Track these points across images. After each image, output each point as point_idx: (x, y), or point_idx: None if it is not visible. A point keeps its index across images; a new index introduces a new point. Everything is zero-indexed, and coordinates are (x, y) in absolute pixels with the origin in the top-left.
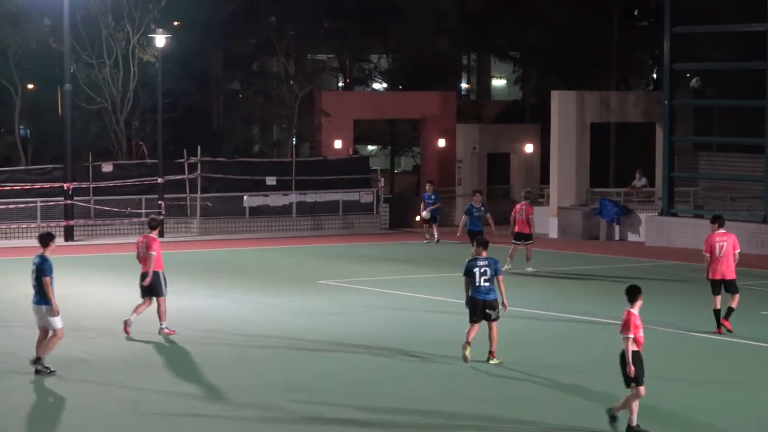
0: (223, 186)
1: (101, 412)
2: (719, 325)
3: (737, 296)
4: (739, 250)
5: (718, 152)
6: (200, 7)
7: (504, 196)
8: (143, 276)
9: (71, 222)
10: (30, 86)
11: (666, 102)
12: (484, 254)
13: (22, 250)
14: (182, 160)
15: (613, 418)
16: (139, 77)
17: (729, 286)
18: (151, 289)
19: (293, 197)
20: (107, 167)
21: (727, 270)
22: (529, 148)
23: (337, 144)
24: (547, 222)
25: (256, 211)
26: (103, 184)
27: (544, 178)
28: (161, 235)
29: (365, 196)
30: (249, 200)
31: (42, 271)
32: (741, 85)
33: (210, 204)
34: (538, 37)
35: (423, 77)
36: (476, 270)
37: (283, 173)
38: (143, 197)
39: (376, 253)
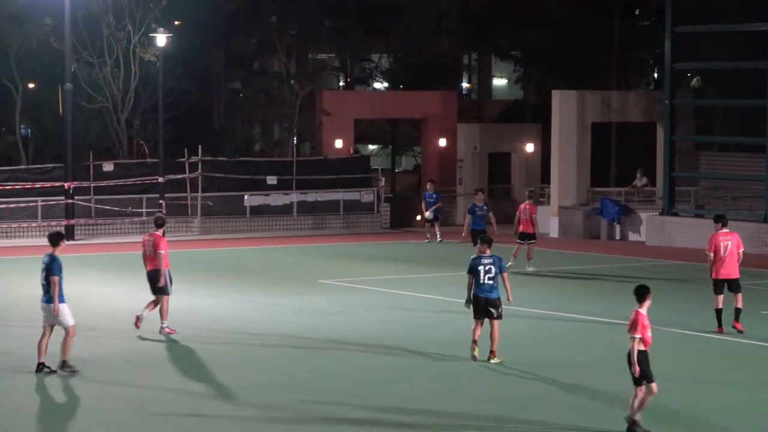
0: (223, 185)
1: (102, 412)
2: (720, 324)
3: (740, 295)
4: (742, 249)
5: (719, 152)
6: (201, 7)
7: (505, 195)
8: (150, 274)
9: (72, 221)
10: (31, 85)
11: (667, 101)
12: (488, 252)
13: (23, 249)
14: (183, 159)
15: (633, 423)
16: (140, 76)
17: (732, 286)
18: (154, 287)
19: (294, 197)
20: (108, 166)
21: (732, 269)
22: (530, 147)
23: (338, 143)
24: (548, 221)
25: (256, 211)
26: (103, 183)
27: (545, 178)
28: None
29: (366, 196)
30: (250, 199)
31: (51, 270)
32: (742, 85)
33: (211, 203)
34: (539, 36)
35: (424, 77)
36: (481, 268)
37: (284, 173)
38: (144, 196)
39: (377, 253)
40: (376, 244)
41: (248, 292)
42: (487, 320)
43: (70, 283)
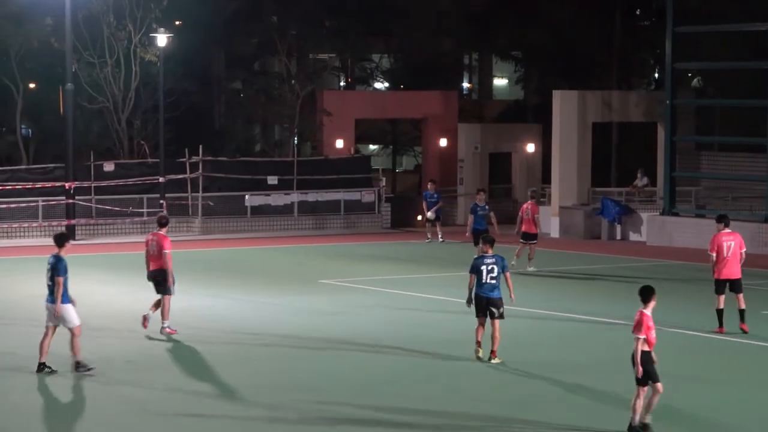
0: (224, 185)
1: (103, 412)
2: (721, 324)
3: (742, 296)
4: (744, 250)
5: (720, 152)
6: (202, 7)
7: (506, 195)
8: (153, 273)
9: (73, 221)
10: (32, 85)
11: (668, 102)
12: (491, 252)
13: (24, 249)
14: (184, 159)
15: (644, 427)
16: (140, 76)
17: (734, 286)
18: (158, 286)
19: (295, 197)
20: (109, 166)
21: (734, 270)
22: (530, 147)
23: (339, 143)
24: (548, 221)
25: (257, 211)
26: (104, 183)
27: (546, 178)
28: None
29: (367, 196)
30: (250, 199)
31: (57, 270)
32: (743, 85)
33: (211, 203)
34: (539, 36)
35: (425, 77)
36: (483, 268)
37: (284, 173)
38: (145, 196)
39: (378, 253)
40: (377, 244)
41: (248, 292)
42: (488, 320)
43: (71, 282)
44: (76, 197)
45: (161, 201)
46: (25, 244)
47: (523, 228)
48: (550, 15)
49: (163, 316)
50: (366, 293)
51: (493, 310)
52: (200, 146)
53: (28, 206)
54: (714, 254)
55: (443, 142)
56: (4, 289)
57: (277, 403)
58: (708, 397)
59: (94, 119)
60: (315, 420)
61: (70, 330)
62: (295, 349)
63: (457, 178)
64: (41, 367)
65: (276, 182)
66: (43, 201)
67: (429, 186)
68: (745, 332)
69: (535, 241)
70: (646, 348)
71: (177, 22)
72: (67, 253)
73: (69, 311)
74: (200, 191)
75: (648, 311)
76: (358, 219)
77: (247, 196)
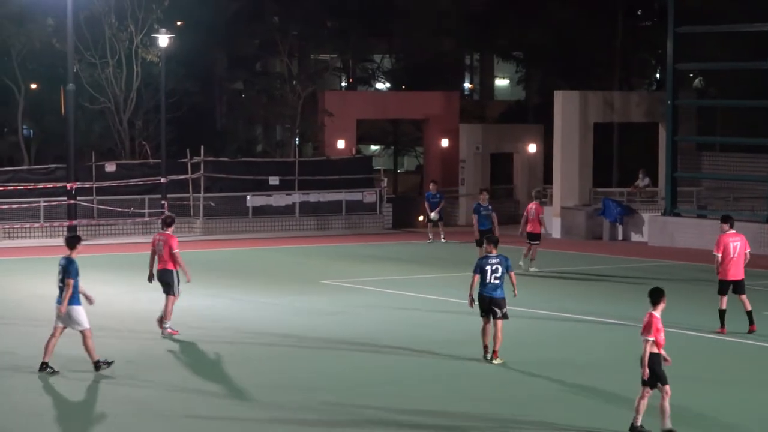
0: (226, 186)
1: (103, 412)
2: (723, 325)
3: (745, 296)
4: (749, 250)
5: (721, 152)
6: (203, 7)
7: (507, 195)
8: (160, 273)
9: (74, 222)
10: (33, 86)
11: (669, 102)
12: (495, 252)
13: (26, 250)
14: (185, 159)
15: None
16: (142, 77)
17: (738, 287)
18: (164, 286)
19: (296, 197)
20: (110, 167)
21: (739, 270)
22: (532, 148)
23: (340, 144)
24: (550, 222)
25: (259, 211)
26: (106, 183)
27: (547, 178)
28: None
29: (368, 196)
30: (252, 200)
31: (68, 272)
32: (744, 85)
33: (213, 204)
34: (540, 37)
35: (426, 77)
36: (488, 268)
37: (286, 173)
38: (146, 197)
39: (379, 253)
40: (379, 245)
41: (248, 292)
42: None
43: (82, 283)
44: (78, 198)
45: (163, 202)
46: (26, 245)
47: (529, 228)
48: (550, 15)
49: (165, 317)
50: (366, 293)
51: (496, 310)
52: (202, 147)
53: (29, 207)
54: (719, 255)
55: (445, 143)
56: (5, 289)
57: (277, 403)
58: (709, 397)
59: (95, 120)
60: (314, 420)
61: (81, 332)
62: (295, 349)
63: (458, 179)
64: (44, 366)
65: (277, 183)
66: (45, 202)
67: (431, 186)
68: (753, 332)
69: (538, 242)
70: (655, 350)
71: (178, 23)
72: (78, 254)
73: (79, 313)
74: (202, 192)
75: (657, 313)
76: (360, 219)
77: (248, 197)
